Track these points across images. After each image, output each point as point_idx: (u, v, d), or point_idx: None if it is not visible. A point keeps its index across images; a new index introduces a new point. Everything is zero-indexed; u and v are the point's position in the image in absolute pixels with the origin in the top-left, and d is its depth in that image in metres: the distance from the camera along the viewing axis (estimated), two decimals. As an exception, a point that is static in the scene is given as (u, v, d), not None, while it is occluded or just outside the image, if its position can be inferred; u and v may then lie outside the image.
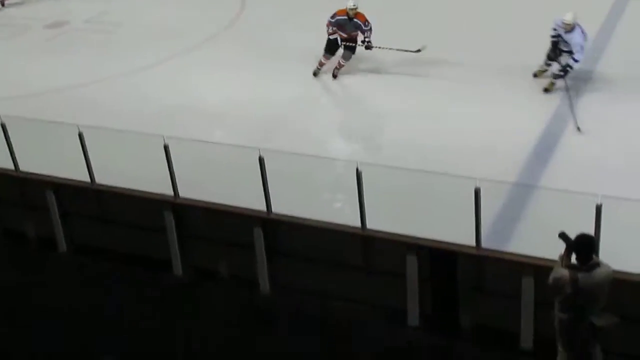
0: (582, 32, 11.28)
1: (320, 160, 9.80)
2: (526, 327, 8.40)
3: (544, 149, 10.27)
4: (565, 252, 7.18)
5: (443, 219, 8.83)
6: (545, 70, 11.91)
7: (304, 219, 9.10)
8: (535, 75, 12.01)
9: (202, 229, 9.90)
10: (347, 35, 12.40)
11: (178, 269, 10.02)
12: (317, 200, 9.61)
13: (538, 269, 8.01)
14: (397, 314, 8.97)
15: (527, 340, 8.44)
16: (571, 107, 11.04)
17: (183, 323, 9.21)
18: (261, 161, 8.98)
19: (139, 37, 14.91)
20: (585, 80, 11.84)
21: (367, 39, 12.30)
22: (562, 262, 7.17)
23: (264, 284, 9.59)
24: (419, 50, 12.39)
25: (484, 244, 8.40)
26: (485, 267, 8.59)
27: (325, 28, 12.45)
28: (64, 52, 14.59)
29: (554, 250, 7.33)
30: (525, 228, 8.79)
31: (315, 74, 12.72)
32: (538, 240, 8.34)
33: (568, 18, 11.26)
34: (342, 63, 12.61)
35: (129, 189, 9.92)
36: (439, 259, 8.73)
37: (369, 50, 12.46)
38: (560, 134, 10.60)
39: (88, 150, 9.88)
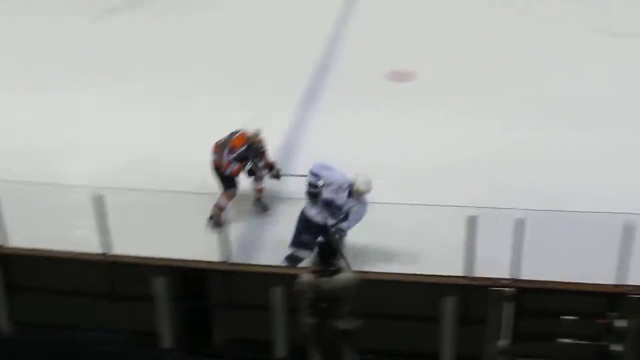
0: (366, 202, 8.65)
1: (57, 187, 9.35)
2: (279, 336, 8.48)
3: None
4: (314, 259, 7.39)
5: (191, 237, 8.77)
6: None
7: (42, 250, 8.65)
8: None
9: None
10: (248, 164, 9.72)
11: None
12: (58, 229, 9.17)
13: (287, 278, 8.11)
14: (150, 338, 8.76)
15: (281, 348, 8.53)
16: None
17: None
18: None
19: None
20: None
21: (276, 167, 9.73)
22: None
23: (4, 323, 9.00)
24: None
25: (234, 258, 8.42)
26: (235, 281, 8.59)
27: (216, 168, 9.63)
28: None
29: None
30: (273, 240, 8.92)
31: (218, 224, 9.10)
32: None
33: (362, 185, 8.46)
34: (261, 186, 9.88)
35: None
36: (187, 278, 8.63)
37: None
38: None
39: None
